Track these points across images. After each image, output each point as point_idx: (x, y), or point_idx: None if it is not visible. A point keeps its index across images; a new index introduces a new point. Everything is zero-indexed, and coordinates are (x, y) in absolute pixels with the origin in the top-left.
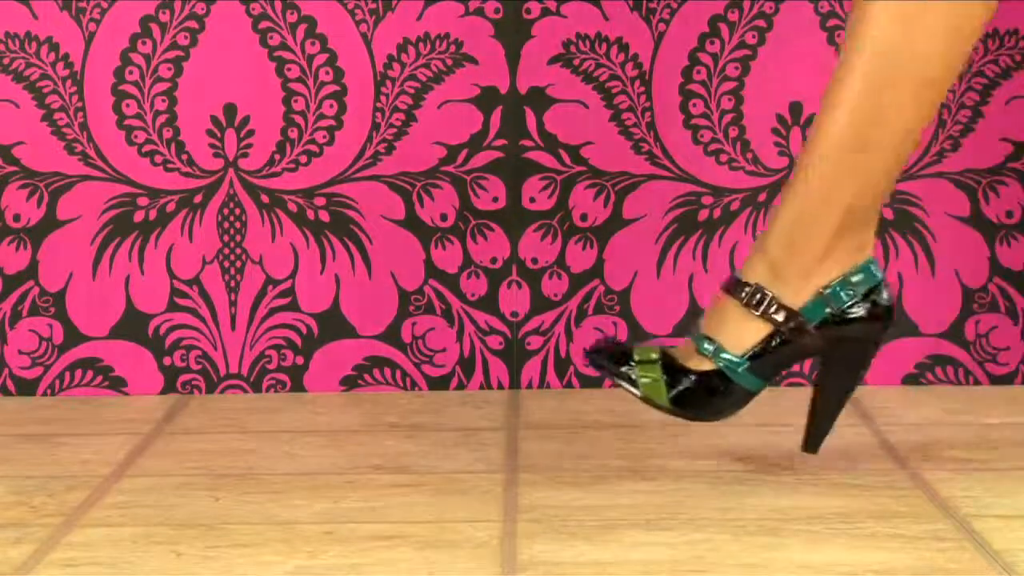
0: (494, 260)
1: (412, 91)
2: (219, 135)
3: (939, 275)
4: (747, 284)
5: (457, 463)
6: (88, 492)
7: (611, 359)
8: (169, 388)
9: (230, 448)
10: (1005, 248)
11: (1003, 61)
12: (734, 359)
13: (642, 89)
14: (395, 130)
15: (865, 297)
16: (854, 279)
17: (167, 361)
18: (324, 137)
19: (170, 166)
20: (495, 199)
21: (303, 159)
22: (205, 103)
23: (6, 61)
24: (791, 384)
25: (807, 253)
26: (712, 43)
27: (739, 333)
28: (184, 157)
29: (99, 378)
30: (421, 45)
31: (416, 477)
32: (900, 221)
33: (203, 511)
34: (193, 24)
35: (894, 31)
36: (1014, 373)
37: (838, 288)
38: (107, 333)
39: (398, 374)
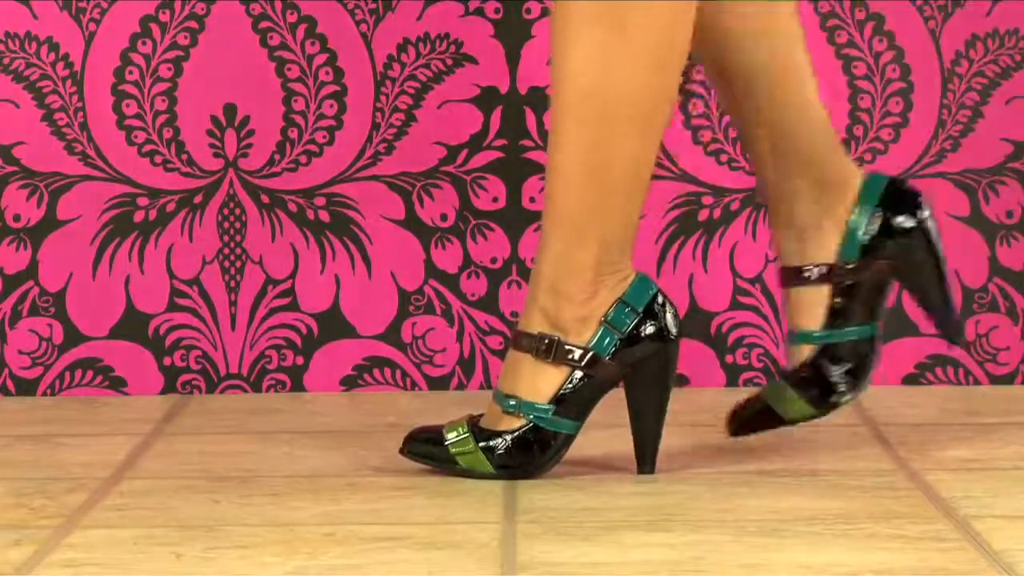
0: (494, 260)
1: (412, 91)
2: (219, 135)
3: None
4: (533, 335)
5: None
6: (88, 493)
7: (428, 445)
8: (169, 388)
9: (230, 449)
10: (1005, 248)
11: (1003, 61)
12: (540, 407)
13: None
14: (395, 130)
15: (647, 313)
16: (629, 301)
17: (167, 361)
18: (324, 137)
19: (170, 166)
20: (495, 199)
21: (303, 159)
22: (205, 103)
23: (6, 61)
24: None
25: (575, 298)
26: None
27: (537, 383)
28: (184, 157)
29: (99, 378)
30: (421, 45)
31: (416, 479)
32: None
33: (203, 512)
34: (193, 24)
35: (593, 71)
36: (1014, 373)
37: (616, 313)
38: (107, 333)
39: (398, 374)
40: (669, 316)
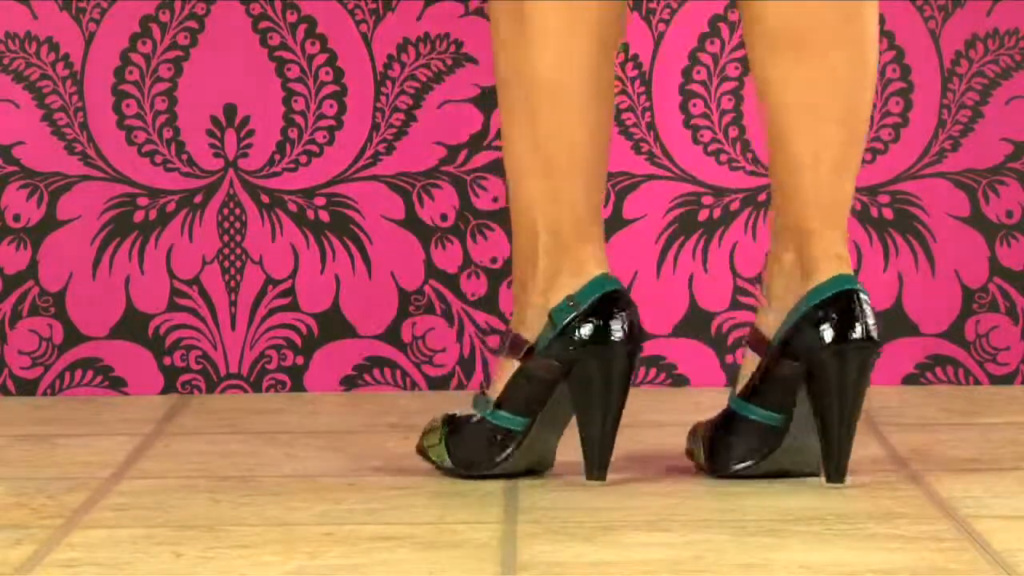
0: (494, 260)
1: (412, 91)
2: (219, 135)
3: (939, 275)
4: (505, 329)
5: None
6: (88, 493)
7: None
8: (169, 388)
9: (230, 449)
10: (1005, 248)
11: (1003, 61)
12: (482, 401)
13: (642, 89)
14: (395, 130)
15: (591, 312)
16: (575, 296)
17: (167, 361)
18: (324, 137)
19: (170, 166)
20: (495, 199)
21: (303, 159)
22: (205, 103)
23: (6, 61)
24: None
25: (531, 289)
26: (712, 43)
27: (497, 377)
28: (184, 157)
29: (99, 378)
30: (421, 45)
31: (416, 479)
32: (900, 221)
33: (203, 512)
34: (193, 24)
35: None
36: (1014, 373)
37: (558, 309)
38: (107, 333)
39: (398, 374)
40: (618, 320)
